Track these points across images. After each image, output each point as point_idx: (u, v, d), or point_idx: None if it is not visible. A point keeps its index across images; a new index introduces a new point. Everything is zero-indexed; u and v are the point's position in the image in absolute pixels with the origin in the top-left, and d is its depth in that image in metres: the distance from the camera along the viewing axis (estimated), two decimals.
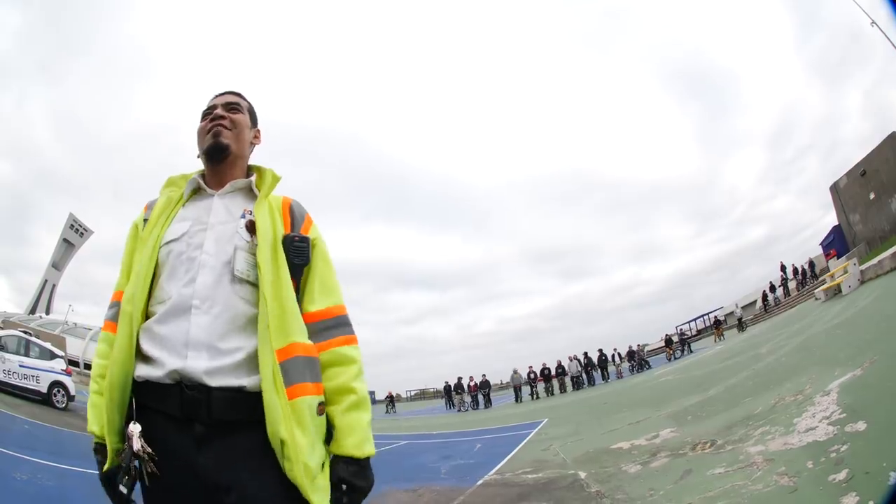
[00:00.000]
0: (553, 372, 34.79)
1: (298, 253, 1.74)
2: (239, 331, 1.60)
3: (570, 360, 34.49)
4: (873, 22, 33.25)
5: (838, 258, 28.83)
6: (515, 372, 36.48)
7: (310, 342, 1.65)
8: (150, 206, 1.90)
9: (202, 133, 1.89)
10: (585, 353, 34.68)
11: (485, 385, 35.53)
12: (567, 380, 34.11)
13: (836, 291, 20.86)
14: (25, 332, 18.96)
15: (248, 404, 1.52)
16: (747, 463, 5.36)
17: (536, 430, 14.72)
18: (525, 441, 12.58)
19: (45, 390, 16.17)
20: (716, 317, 40.22)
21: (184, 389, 1.50)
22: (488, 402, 34.96)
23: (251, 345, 1.58)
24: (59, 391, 16.66)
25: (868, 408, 5.33)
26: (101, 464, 1.65)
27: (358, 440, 1.62)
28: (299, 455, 1.47)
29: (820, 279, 30.24)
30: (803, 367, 9.25)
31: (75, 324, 60.47)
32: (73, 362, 27.58)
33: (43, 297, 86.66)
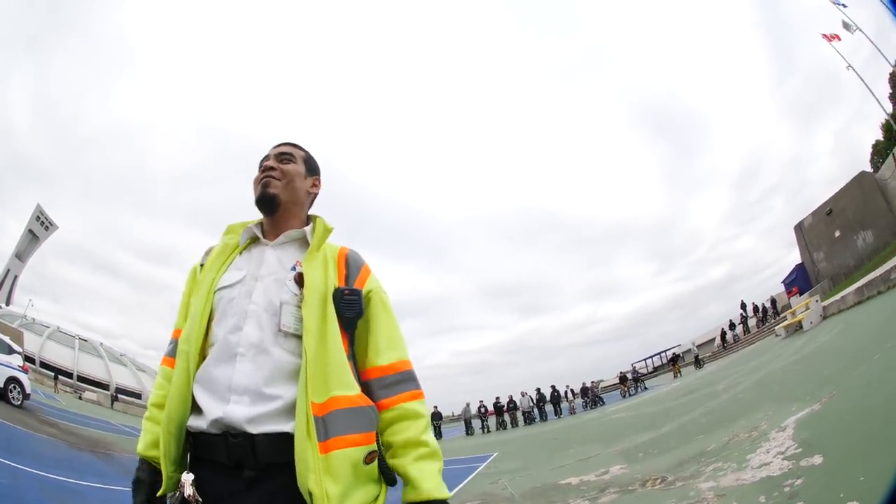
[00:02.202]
0: (505, 406, 35.08)
1: (349, 306, 1.76)
2: (281, 380, 1.63)
3: (522, 396, 34.99)
4: (849, 66, 34.72)
5: (801, 295, 29.50)
6: (467, 405, 36.99)
7: (356, 393, 1.68)
8: (208, 252, 1.98)
9: (255, 184, 1.96)
10: (538, 389, 35.17)
11: (436, 417, 36.05)
12: (519, 414, 34.52)
13: (798, 328, 21.41)
14: None
15: (292, 447, 1.53)
16: (698, 499, 5.33)
17: (486, 463, 14.86)
18: (474, 474, 12.64)
19: (0, 385, 16.12)
20: (674, 353, 40.52)
21: (229, 438, 1.56)
22: (438, 434, 34.90)
23: (292, 394, 1.60)
24: (14, 387, 16.68)
25: (825, 442, 5.36)
26: (142, 482, 1.77)
27: (435, 484, 1.65)
28: None
29: (781, 316, 30.90)
30: (760, 404, 9.38)
31: (34, 319, 59.58)
32: (29, 359, 27.33)
33: (4, 287, 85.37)
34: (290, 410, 1.58)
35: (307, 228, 1.92)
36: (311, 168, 2.08)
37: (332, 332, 1.68)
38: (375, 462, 1.65)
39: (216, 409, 1.58)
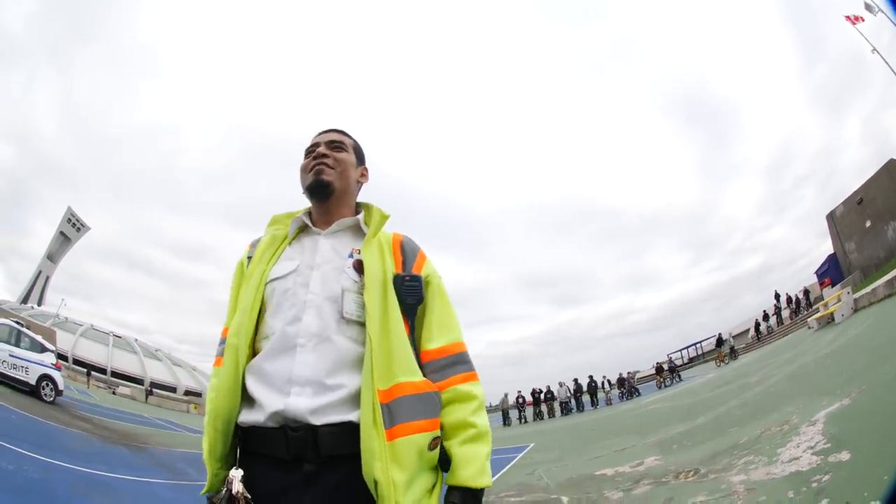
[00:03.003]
0: (542, 397, 34.95)
1: (411, 292, 1.75)
2: (344, 368, 1.61)
3: (560, 386, 34.80)
4: (874, 49, 33.84)
5: (833, 287, 28.92)
6: (505, 395, 37.04)
7: (421, 379, 1.66)
8: (253, 244, 1.94)
9: (304, 171, 1.91)
10: (575, 380, 34.94)
11: None
12: (556, 405, 34.35)
13: (829, 320, 20.98)
14: (17, 322, 19.15)
15: (356, 437, 1.51)
16: (729, 492, 5.36)
17: (522, 454, 14.77)
18: (511, 464, 12.60)
19: (33, 382, 16.40)
20: (720, 335, 38.59)
21: (288, 432, 1.52)
22: None
23: (355, 382, 1.58)
24: (47, 384, 16.93)
25: (853, 437, 5.35)
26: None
27: (474, 471, 1.62)
28: (392, 494, 1.46)
29: (813, 308, 30.35)
30: (791, 397, 9.30)
31: (66, 318, 60.53)
32: (61, 356, 27.85)
33: (36, 288, 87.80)
34: (354, 399, 1.55)
35: (360, 216, 1.88)
36: (360, 157, 2.04)
37: (395, 318, 1.66)
38: (438, 448, 1.63)
39: (276, 402, 1.54)
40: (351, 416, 1.54)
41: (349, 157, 1.97)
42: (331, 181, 1.87)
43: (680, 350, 52.80)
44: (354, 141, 2.05)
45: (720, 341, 36.57)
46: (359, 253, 1.77)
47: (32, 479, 7.59)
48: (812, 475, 4.80)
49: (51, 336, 30.82)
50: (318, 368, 1.58)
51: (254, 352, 1.70)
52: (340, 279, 1.71)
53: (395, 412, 1.54)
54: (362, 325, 1.64)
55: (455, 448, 1.65)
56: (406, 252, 1.86)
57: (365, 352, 1.59)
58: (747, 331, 42.38)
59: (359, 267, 1.73)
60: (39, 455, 8.89)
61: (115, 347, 59.08)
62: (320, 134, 2.01)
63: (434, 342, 1.77)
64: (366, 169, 2.07)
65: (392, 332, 1.63)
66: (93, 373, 44.73)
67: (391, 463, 1.48)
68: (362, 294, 1.67)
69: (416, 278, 1.78)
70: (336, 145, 1.95)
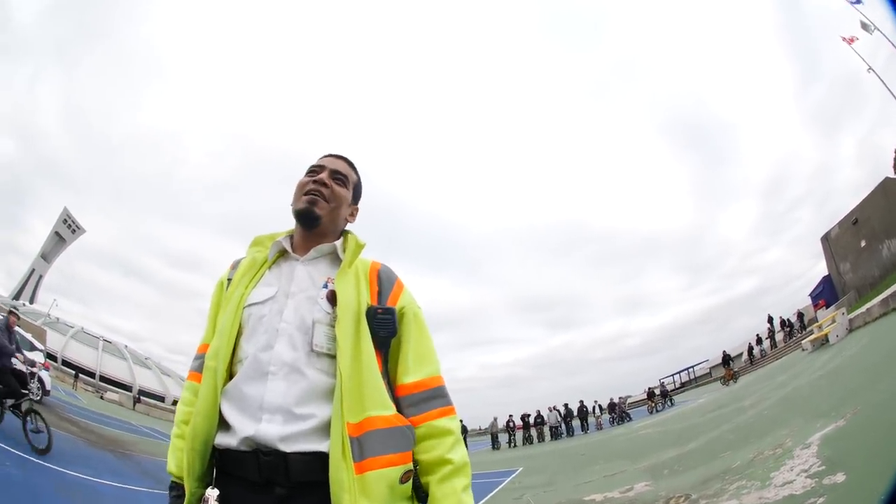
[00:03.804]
0: (532, 421, 34.94)
1: (383, 325, 1.73)
2: (315, 399, 1.61)
3: (550, 411, 34.85)
4: (870, 68, 34.13)
5: (827, 308, 28.98)
6: (494, 419, 37.13)
7: (393, 413, 1.66)
8: (235, 265, 1.96)
9: (299, 189, 1.92)
10: (565, 405, 34.95)
11: (461, 431, 35.73)
12: (545, 429, 34.36)
13: (824, 341, 20.96)
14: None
15: (327, 467, 1.51)
16: None
17: (510, 478, 14.77)
18: (498, 489, 12.59)
19: None
20: (725, 353, 37.93)
21: (260, 456, 1.54)
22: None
23: (326, 413, 1.59)
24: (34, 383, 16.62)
25: (848, 459, 5.31)
26: (175, 499, 1.74)
27: None
28: None
29: (807, 330, 30.39)
30: (785, 420, 9.29)
31: (57, 318, 60.19)
32: (51, 356, 27.69)
33: (29, 285, 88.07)
34: (324, 429, 1.56)
35: (338, 243, 1.88)
36: (357, 195, 2.05)
37: (367, 351, 1.65)
38: (411, 481, 1.63)
39: (248, 427, 1.56)
40: (321, 447, 1.54)
41: (346, 194, 1.97)
42: (321, 215, 1.87)
43: (672, 375, 52.86)
44: (358, 177, 2.07)
45: (726, 359, 35.84)
46: (333, 283, 1.77)
47: (12, 474, 7.71)
48: (806, 498, 4.76)
49: (41, 335, 30.78)
50: (289, 397, 1.59)
51: (231, 374, 1.71)
52: (313, 310, 1.72)
53: (365, 445, 1.56)
54: (333, 357, 1.64)
55: (434, 486, 1.65)
56: (382, 282, 1.86)
57: (335, 385, 1.59)
58: (740, 355, 42.36)
59: (332, 298, 1.73)
60: (23, 453, 9.01)
61: (104, 352, 58.82)
62: (329, 157, 2.02)
63: (411, 376, 1.77)
64: (357, 209, 2.07)
65: (363, 366, 1.64)
66: (81, 376, 44.33)
67: (360, 495, 1.49)
68: (334, 326, 1.67)
69: (389, 311, 1.77)
70: (340, 178, 1.96)
